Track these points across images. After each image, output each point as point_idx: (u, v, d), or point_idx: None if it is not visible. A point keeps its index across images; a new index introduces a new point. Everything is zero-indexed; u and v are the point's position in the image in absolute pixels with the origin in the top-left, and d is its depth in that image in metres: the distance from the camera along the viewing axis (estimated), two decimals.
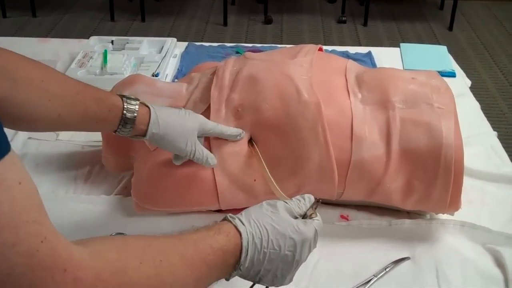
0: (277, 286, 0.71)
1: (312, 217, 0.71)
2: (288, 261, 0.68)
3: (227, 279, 0.67)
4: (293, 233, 0.68)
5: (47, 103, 0.77)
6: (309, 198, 0.74)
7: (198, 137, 0.90)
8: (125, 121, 0.83)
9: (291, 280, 0.72)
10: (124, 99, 0.84)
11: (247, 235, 0.65)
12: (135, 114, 0.83)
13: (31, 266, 0.46)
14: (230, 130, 0.94)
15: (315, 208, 0.73)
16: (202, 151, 0.90)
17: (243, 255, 0.64)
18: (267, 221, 0.67)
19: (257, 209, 0.70)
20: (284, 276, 0.69)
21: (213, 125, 0.92)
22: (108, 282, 0.52)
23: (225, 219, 0.68)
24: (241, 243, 0.64)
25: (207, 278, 0.64)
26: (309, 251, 0.71)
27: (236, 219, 0.67)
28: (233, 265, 0.65)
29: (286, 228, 0.67)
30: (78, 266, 0.50)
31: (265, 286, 0.71)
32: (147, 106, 0.86)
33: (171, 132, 0.86)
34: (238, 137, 0.95)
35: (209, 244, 0.63)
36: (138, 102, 0.84)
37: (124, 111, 0.83)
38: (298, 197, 0.74)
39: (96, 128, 0.87)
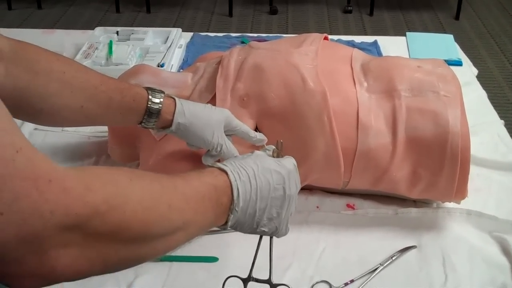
0: (276, 233, 0.71)
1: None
2: (280, 196, 0.68)
3: (225, 228, 0.65)
4: (277, 167, 0.69)
5: (69, 94, 0.76)
6: (271, 146, 0.78)
7: (226, 135, 0.88)
8: (151, 111, 0.82)
9: (287, 227, 0.72)
10: (149, 91, 0.83)
11: (232, 173, 0.65)
12: (161, 105, 0.82)
13: (10, 176, 0.42)
14: (255, 133, 0.92)
15: (281, 149, 0.76)
16: (229, 145, 0.88)
17: (235, 192, 0.63)
18: (249, 161, 0.68)
19: (235, 158, 0.70)
20: (279, 214, 0.69)
21: (239, 123, 0.90)
22: (99, 191, 0.48)
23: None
24: (229, 180, 0.64)
25: (204, 212, 0.61)
26: (296, 186, 0.71)
27: (217, 163, 0.67)
28: (227, 205, 0.64)
29: (269, 164, 0.69)
30: (64, 177, 0.46)
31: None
32: (172, 98, 0.85)
33: (197, 122, 0.85)
34: (259, 143, 0.92)
35: (197, 178, 0.62)
36: (163, 93, 0.84)
37: (149, 102, 0.82)
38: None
39: (120, 119, 0.85)
